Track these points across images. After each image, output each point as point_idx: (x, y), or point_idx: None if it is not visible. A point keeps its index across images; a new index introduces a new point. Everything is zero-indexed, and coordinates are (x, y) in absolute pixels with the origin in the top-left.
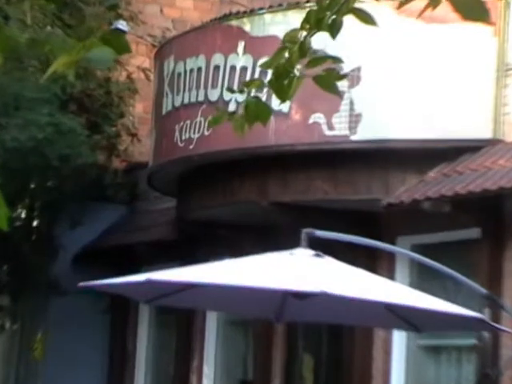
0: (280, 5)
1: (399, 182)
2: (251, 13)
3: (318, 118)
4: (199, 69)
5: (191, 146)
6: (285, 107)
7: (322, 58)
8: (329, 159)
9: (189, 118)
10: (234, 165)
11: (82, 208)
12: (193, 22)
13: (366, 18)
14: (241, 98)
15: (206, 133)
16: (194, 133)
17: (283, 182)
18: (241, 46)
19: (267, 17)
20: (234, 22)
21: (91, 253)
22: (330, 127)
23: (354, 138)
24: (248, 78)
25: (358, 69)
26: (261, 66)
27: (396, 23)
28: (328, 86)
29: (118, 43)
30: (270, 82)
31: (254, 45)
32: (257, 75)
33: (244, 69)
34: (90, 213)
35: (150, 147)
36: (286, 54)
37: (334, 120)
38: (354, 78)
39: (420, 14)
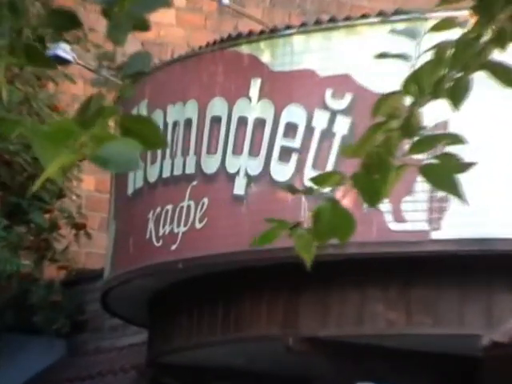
0: (318, 22)
1: (508, 307)
2: (272, 34)
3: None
4: (188, 122)
5: (174, 247)
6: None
7: (438, 137)
8: (396, 269)
9: (170, 200)
10: (243, 277)
11: None
12: (176, 46)
13: (507, 75)
14: (255, 167)
15: (199, 225)
16: (178, 225)
17: (322, 307)
18: (255, 86)
19: (297, 40)
20: (245, 48)
21: None
22: (398, 219)
23: (435, 235)
24: (266, 136)
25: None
26: (344, 153)
27: None
28: (442, 181)
29: (147, 131)
30: (355, 177)
31: (277, 84)
32: (281, 135)
33: (260, 123)
34: (6, 352)
35: (106, 247)
36: (379, 135)
37: (405, 207)
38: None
39: None
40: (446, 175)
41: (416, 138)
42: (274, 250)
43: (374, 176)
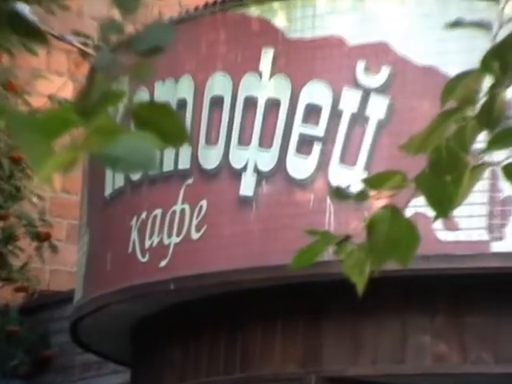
0: None
1: None
2: None
3: (421, 206)
4: (181, 103)
5: (164, 262)
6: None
7: None
8: (446, 290)
9: (159, 204)
10: (252, 301)
11: None
12: (165, 6)
13: None
14: (267, 162)
15: (195, 235)
16: (169, 235)
17: (351, 338)
18: (266, 57)
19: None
20: (254, 10)
21: None
22: (449, 226)
23: (497, 247)
24: (281, 122)
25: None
26: (405, 148)
27: None
28: None
29: (167, 122)
30: (420, 179)
31: (295, 56)
32: (299, 120)
33: (273, 105)
34: None
35: (76, 263)
36: (452, 125)
37: (458, 212)
38: None
39: None
40: None
41: (498, 130)
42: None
43: (445, 178)
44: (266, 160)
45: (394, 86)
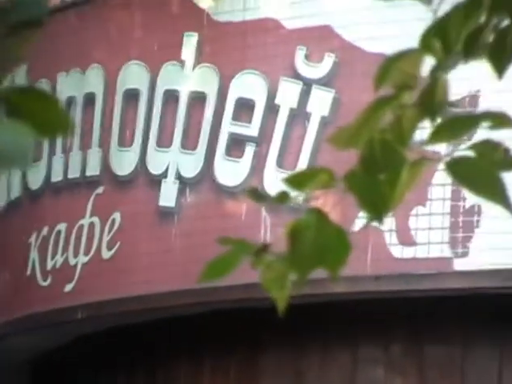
0: None
1: None
2: None
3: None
4: (89, 98)
5: (69, 286)
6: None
7: (473, 117)
8: (403, 315)
9: (64, 216)
10: (177, 331)
11: None
12: None
13: None
14: (191, 166)
15: (107, 253)
16: (75, 254)
17: (292, 371)
18: (189, 44)
19: None
20: None
21: None
22: (405, 240)
23: (461, 265)
24: (207, 120)
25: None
26: (332, 142)
27: None
28: (478, 182)
29: (44, 110)
30: (350, 178)
31: (223, 42)
32: (229, 117)
33: (198, 100)
34: None
35: None
36: (387, 114)
37: (415, 224)
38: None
39: None
40: (484, 174)
41: (440, 119)
42: (223, 289)
43: (379, 176)
44: (190, 164)
45: (339, 78)
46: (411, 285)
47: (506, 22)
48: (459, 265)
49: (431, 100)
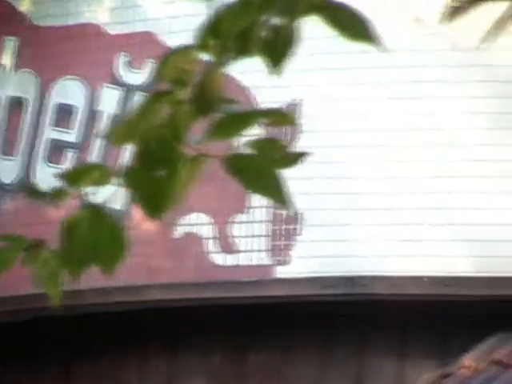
0: None
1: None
2: None
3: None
4: None
5: None
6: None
7: (251, 114)
8: (223, 325)
9: None
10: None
11: None
12: None
13: (349, 22)
14: (9, 172)
15: None
16: None
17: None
18: (8, 48)
19: None
20: None
21: None
22: (226, 248)
23: (282, 272)
24: (26, 125)
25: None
26: (109, 137)
27: None
28: (257, 178)
29: None
30: (130, 174)
31: (43, 46)
32: (49, 123)
33: (16, 105)
34: None
35: None
36: (164, 110)
37: (235, 231)
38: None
39: None
40: (261, 170)
41: (218, 116)
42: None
43: (156, 172)
44: (9, 170)
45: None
46: (232, 292)
47: (277, 20)
48: (280, 272)
49: (203, 97)
